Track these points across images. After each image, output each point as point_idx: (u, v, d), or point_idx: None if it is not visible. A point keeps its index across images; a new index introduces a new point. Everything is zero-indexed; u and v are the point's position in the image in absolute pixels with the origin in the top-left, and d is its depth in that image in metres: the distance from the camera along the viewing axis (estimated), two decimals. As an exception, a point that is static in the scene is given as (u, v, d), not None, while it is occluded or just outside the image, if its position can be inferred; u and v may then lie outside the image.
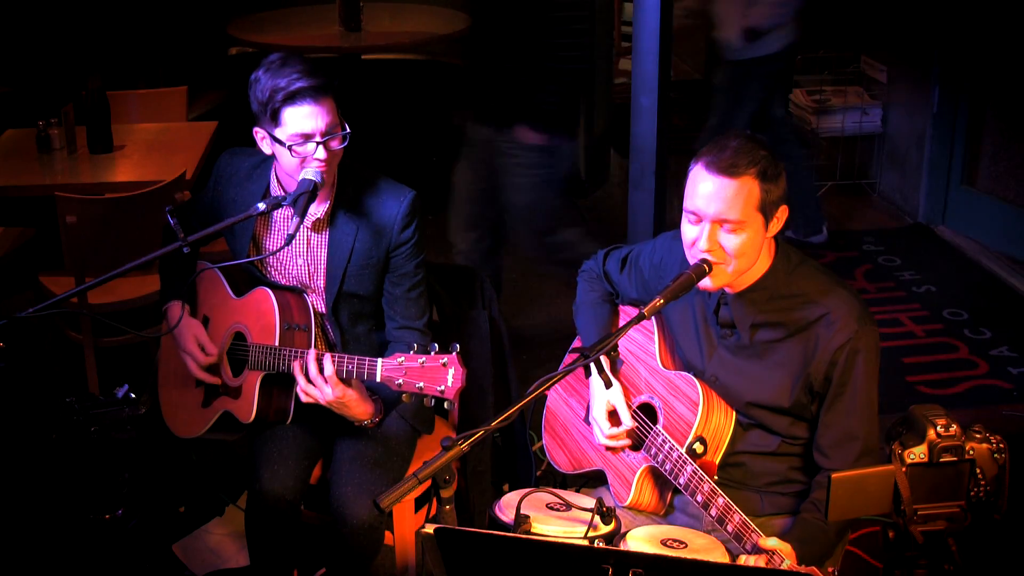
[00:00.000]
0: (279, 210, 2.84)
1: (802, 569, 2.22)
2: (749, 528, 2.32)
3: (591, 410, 2.69)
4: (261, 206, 2.66)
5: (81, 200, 3.80)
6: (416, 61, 7.38)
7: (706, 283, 2.41)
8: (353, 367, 2.64)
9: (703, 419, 2.49)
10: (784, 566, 2.23)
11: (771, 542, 2.28)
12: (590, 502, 2.43)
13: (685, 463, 2.45)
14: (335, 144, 2.72)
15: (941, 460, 1.86)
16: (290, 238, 2.61)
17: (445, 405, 2.52)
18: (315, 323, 2.88)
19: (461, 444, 2.17)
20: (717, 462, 2.51)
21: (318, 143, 2.68)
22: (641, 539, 2.40)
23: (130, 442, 2.47)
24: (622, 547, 2.36)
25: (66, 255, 3.86)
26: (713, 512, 2.38)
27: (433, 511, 3.14)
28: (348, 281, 2.88)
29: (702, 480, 2.41)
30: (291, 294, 2.89)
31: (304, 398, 2.72)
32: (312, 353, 2.69)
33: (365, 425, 2.84)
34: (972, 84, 5.65)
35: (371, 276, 2.90)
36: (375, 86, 6.67)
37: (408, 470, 2.95)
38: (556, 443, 2.90)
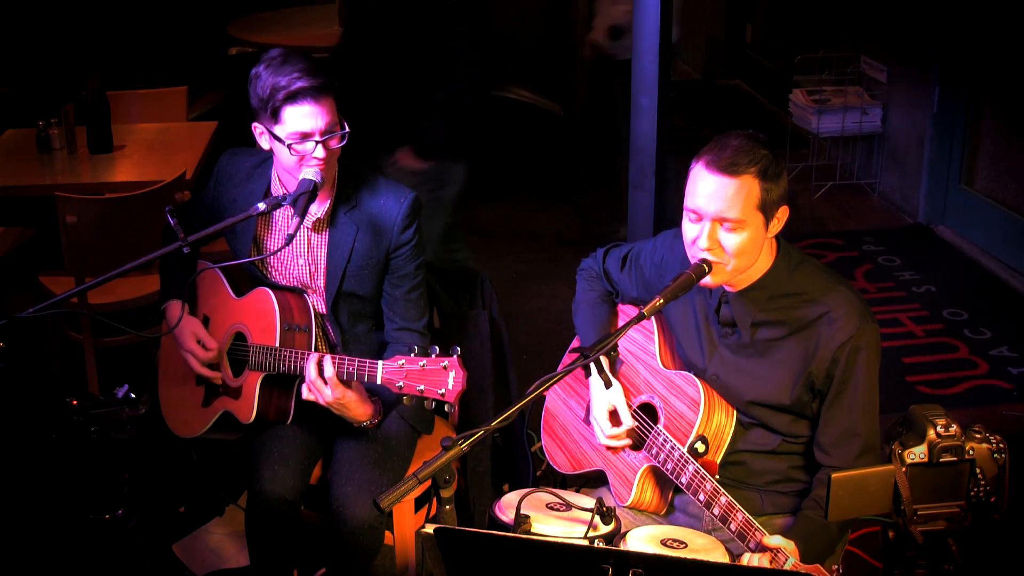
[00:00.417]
0: (279, 210, 2.84)
1: (806, 568, 2.22)
2: (752, 526, 2.32)
3: (591, 410, 2.69)
4: (261, 206, 2.66)
5: (81, 200, 3.80)
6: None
7: (707, 281, 2.42)
8: (354, 369, 2.64)
9: (704, 418, 2.49)
10: (788, 565, 2.23)
11: (775, 540, 2.27)
12: (590, 502, 2.43)
13: (687, 462, 2.45)
14: (334, 143, 2.73)
15: (941, 460, 1.86)
16: (290, 238, 2.61)
17: (446, 408, 2.52)
18: (316, 324, 2.88)
19: (461, 444, 2.17)
20: (719, 461, 2.51)
21: (317, 142, 2.68)
22: (641, 539, 2.40)
23: (130, 442, 2.47)
24: (622, 547, 2.36)
25: (66, 255, 3.86)
26: (716, 511, 2.38)
27: (433, 511, 3.14)
28: (347, 281, 2.88)
29: (704, 479, 2.41)
30: (292, 295, 2.89)
31: (305, 395, 2.73)
32: (314, 356, 2.69)
33: (364, 426, 2.84)
34: (972, 84, 5.65)
35: (371, 277, 2.89)
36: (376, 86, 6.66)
37: (408, 470, 2.95)
38: (556, 444, 2.90)
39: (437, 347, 2.50)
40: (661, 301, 2.34)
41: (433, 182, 4.18)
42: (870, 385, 2.47)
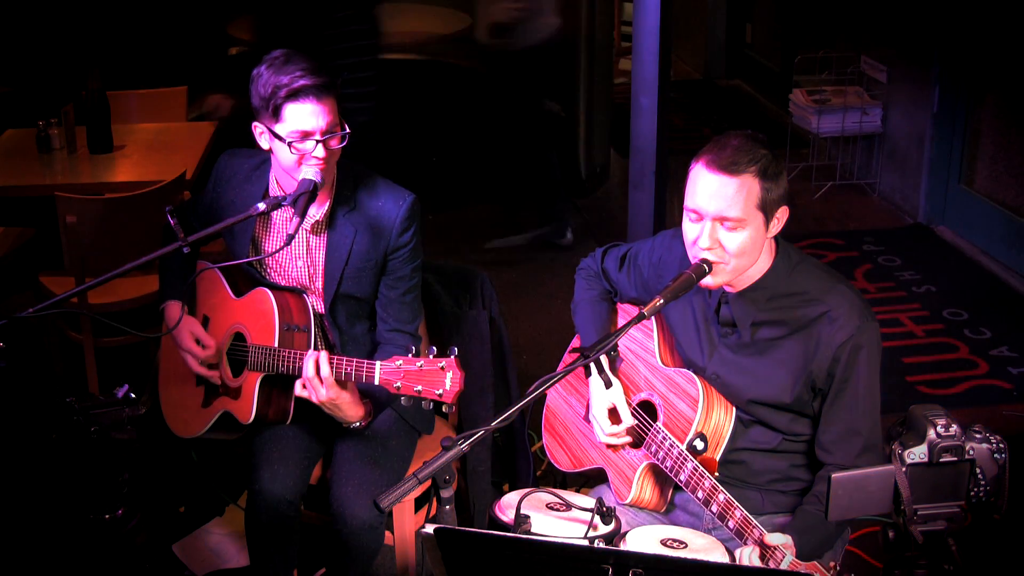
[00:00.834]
0: (278, 211, 2.84)
1: (803, 567, 2.22)
2: (751, 524, 2.32)
3: (591, 408, 2.69)
4: (261, 206, 2.66)
5: (81, 200, 3.80)
6: (416, 61, 7.37)
7: (707, 281, 2.42)
8: (352, 369, 2.64)
9: (703, 416, 2.50)
10: (786, 562, 2.23)
11: (775, 538, 2.27)
12: (590, 502, 2.43)
13: (686, 460, 2.45)
14: (334, 143, 2.73)
15: (941, 460, 1.86)
16: (290, 238, 2.61)
17: (444, 408, 2.52)
18: (315, 324, 2.88)
19: (461, 444, 2.17)
20: (718, 459, 2.52)
21: (318, 141, 2.68)
22: (641, 539, 2.40)
23: (130, 442, 2.46)
24: (622, 547, 2.36)
25: (66, 255, 3.86)
26: (714, 508, 2.38)
27: (433, 511, 3.14)
28: (346, 283, 2.88)
29: (703, 477, 2.41)
30: (291, 295, 2.89)
31: (299, 391, 2.73)
32: (313, 354, 2.69)
33: (354, 427, 2.85)
34: (972, 84, 5.65)
35: (369, 278, 2.89)
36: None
37: (408, 470, 2.95)
38: (556, 442, 2.90)
39: (435, 347, 2.50)
40: (661, 301, 2.34)
41: None
42: (871, 383, 2.47)
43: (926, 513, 1.89)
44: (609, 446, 2.68)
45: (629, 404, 2.66)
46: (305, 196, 2.66)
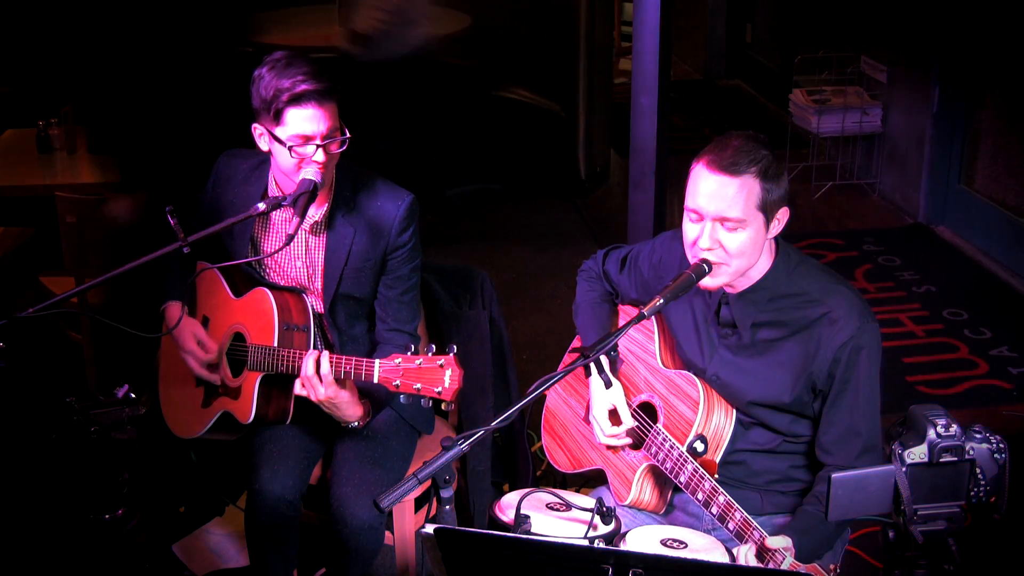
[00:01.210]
0: (278, 211, 2.84)
1: (803, 568, 2.22)
2: (751, 526, 2.31)
3: (591, 409, 2.69)
4: (261, 206, 2.66)
5: (81, 200, 3.79)
6: (415, 61, 7.36)
7: (707, 282, 2.42)
8: (351, 368, 2.64)
9: (703, 417, 2.50)
10: (786, 564, 2.23)
11: (776, 541, 2.27)
12: (590, 502, 2.43)
13: (686, 461, 2.45)
14: (334, 148, 2.73)
15: (941, 460, 1.86)
16: (290, 238, 2.61)
17: (443, 406, 2.52)
18: (314, 324, 2.88)
19: (461, 444, 2.17)
20: (718, 460, 2.51)
21: (318, 146, 2.68)
22: (641, 539, 2.40)
23: (130, 442, 2.46)
24: (622, 547, 2.36)
25: (66, 255, 3.86)
26: (714, 510, 2.38)
27: (433, 511, 3.14)
28: (345, 283, 2.88)
29: (703, 478, 2.41)
30: (290, 295, 2.89)
31: (298, 389, 2.73)
32: (312, 353, 2.69)
33: (353, 426, 2.85)
34: (972, 84, 5.65)
35: (368, 278, 2.89)
36: (374, 86, 6.66)
37: (408, 470, 2.95)
38: (556, 443, 2.90)
39: (434, 345, 2.50)
40: (661, 300, 2.34)
41: None
42: (871, 384, 2.47)
43: (926, 513, 1.88)
44: (609, 447, 2.68)
45: (629, 405, 2.66)
46: (305, 196, 2.66)
